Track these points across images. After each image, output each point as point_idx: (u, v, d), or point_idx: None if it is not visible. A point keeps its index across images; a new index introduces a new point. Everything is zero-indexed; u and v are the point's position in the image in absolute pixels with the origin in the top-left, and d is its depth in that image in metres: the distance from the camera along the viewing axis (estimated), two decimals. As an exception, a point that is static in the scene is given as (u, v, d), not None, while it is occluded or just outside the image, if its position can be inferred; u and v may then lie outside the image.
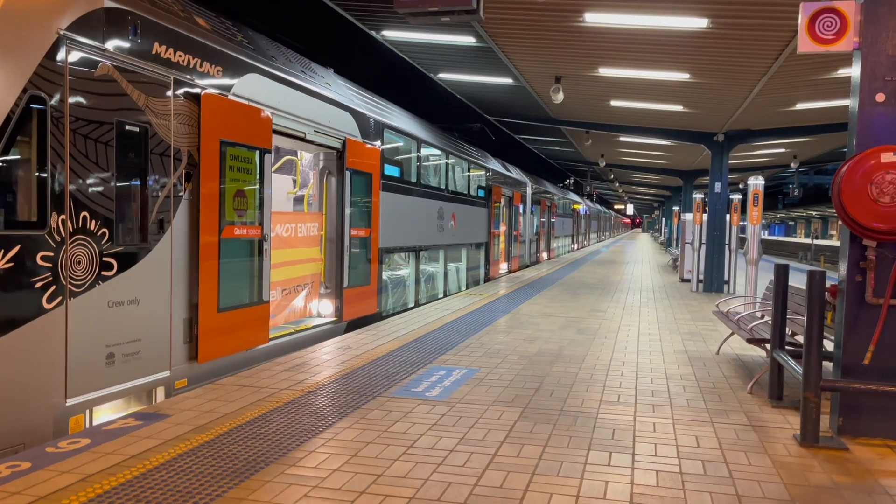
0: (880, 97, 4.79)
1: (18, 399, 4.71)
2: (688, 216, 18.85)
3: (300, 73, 8.81)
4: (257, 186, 7.48)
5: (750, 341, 6.39)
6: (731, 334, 8.17)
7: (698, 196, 16.79)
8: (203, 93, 6.52)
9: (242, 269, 7.25)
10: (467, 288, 17.30)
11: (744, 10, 7.72)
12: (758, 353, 8.10)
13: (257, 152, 7.44)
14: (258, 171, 7.49)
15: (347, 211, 9.86)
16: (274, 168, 10.41)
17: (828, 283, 5.08)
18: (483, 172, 18.77)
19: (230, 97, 7.01)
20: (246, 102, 7.26)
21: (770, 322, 6.64)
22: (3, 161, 4.63)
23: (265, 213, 7.64)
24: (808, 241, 59.58)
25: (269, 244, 7.70)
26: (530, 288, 15.52)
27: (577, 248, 43.01)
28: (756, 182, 11.84)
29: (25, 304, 4.74)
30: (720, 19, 8.08)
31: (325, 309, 9.82)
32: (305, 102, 8.65)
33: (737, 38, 8.77)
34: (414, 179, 13.10)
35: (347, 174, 9.80)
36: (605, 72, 11.17)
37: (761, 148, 20.22)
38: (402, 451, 4.32)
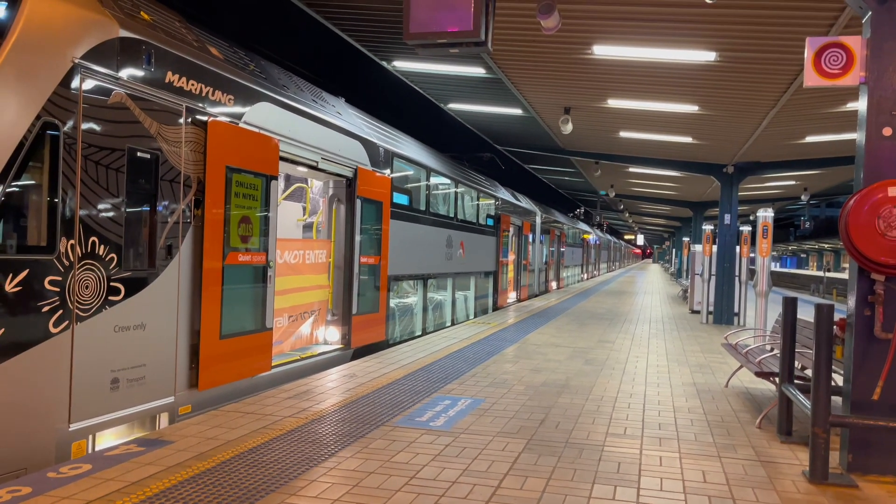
0: (887, 131, 4.79)
1: (22, 423, 4.71)
2: (697, 247, 18.79)
3: (311, 102, 8.92)
4: (263, 213, 7.52)
5: (758, 375, 6.32)
6: (740, 367, 8.09)
7: (708, 227, 16.75)
8: (210, 120, 6.58)
9: (246, 295, 7.25)
10: (475, 317, 17.25)
11: (751, 44, 7.78)
12: (767, 386, 8.00)
13: (263, 179, 7.49)
14: (264, 198, 7.53)
15: (357, 238, 9.91)
16: (284, 195, 10.49)
17: (837, 317, 5.04)
18: (492, 201, 18.83)
19: (241, 125, 7.10)
20: (257, 130, 7.34)
21: (779, 355, 6.57)
22: (15, 186, 4.69)
23: (270, 239, 7.66)
24: (821, 273, 59.13)
25: (273, 271, 7.72)
26: (539, 317, 15.45)
27: (587, 278, 42.87)
28: (766, 214, 11.81)
29: (32, 327, 4.76)
30: (728, 53, 8.13)
31: (331, 336, 9.80)
32: (316, 131, 8.74)
33: (744, 71, 8.82)
34: (423, 208, 13.15)
35: (358, 202, 9.87)
36: (613, 103, 11.24)
37: (771, 180, 20.20)
38: (404, 482, 4.28)
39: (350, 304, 9.83)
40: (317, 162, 8.78)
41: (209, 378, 6.63)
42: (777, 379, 6.21)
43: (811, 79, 5.05)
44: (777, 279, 63.01)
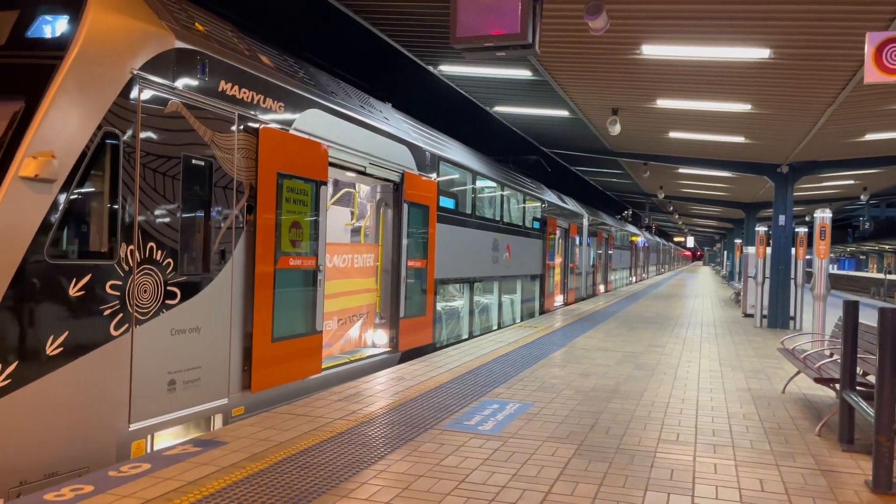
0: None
1: (85, 423, 4.88)
2: (751, 249, 18.32)
3: (359, 108, 9.02)
4: (313, 218, 7.64)
5: (818, 381, 6.13)
6: (798, 373, 7.85)
7: (762, 229, 16.33)
8: (261, 127, 6.72)
9: (296, 299, 7.36)
10: (522, 320, 17.16)
11: (808, 40, 7.56)
12: (826, 393, 7.75)
13: (313, 185, 7.61)
14: (314, 203, 7.65)
15: (404, 242, 9.98)
16: (333, 200, 10.63)
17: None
18: (538, 204, 18.72)
19: (291, 131, 7.22)
20: (306, 137, 7.46)
21: (839, 361, 6.36)
22: (77, 194, 4.86)
23: (320, 244, 7.78)
24: (881, 276, 57.00)
25: (322, 275, 7.82)
26: (586, 321, 15.29)
27: (636, 281, 42.23)
28: (823, 215, 11.45)
29: (94, 330, 4.93)
30: (783, 49, 7.92)
31: (379, 339, 9.88)
32: (364, 136, 8.84)
33: (801, 68, 8.58)
34: (469, 211, 13.16)
35: (405, 206, 9.94)
36: (663, 103, 11.06)
37: (828, 179, 19.58)
38: (453, 486, 4.28)
39: (397, 307, 9.90)
40: (364, 167, 8.87)
41: (261, 380, 6.75)
42: (838, 385, 6.01)
43: (872, 75, 4.89)
44: (835, 282, 61.02)
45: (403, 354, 10.08)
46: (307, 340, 7.51)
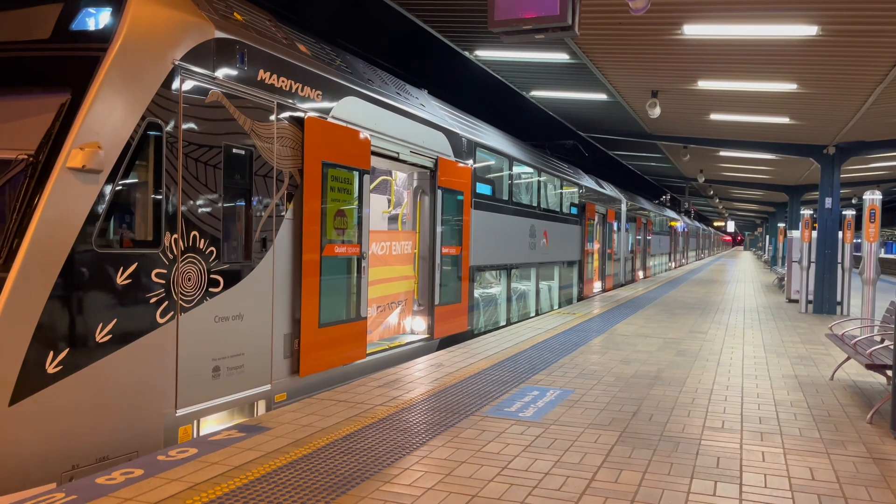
0: None
1: (134, 408, 4.99)
2: (795, 233, 17.88)
3: (395, 95, 9.00)
4: (356, 206, 7.74)
5: (869, 367, 5.95)
6: (847, 359, 7.64)
7: (807, 212, 15.91)
8: (306, 116, 6.80)
9: (342, 285, 7.48)
10: (560, 307, 17.05)
11: (857, 16, 7.29)
12: (877, 379, 7.53)
13: (357, 173, 7.71)
14: (357, 192, 7.75)
15: (439, 229, 9.96)
16: (370, 188, 10.66)
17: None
18: (576, 189, 18.52)
19: (329, 119, 7.25)
20: (343, 124, 7.48)
21: (892, 346, 6.16)
22: (123, 184, 4.95)
23: (364, 231, 7.88)
24: (932, 259, 55.23)
25: (367, 262, 7.93)
26: (626, 307, 15.12)
27: (675, 267, 41.61)
28: (873, 197, 11.09)
29: (141, 318, 5.03)
30: (831, 26, 7.66)
31: (417, 326, 9.90)
32: (400, 123, 8.83)
33: (849, 45, 8.28)
34: (506, 197, 13.07)
35: (439, 193, 9.91)
36: (704, 85, 10.81)
37: (877, 161, 18.96)
38: (496, 472, 4.27)
39: (432, 294, 9.91)
40: (398, 153, 8.87)
41: (309, 365, 6.88)
42: (890, 372, 5.83)
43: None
44: (883, 266, 59.30)
45: (440, 342, 10.10)
46: (352, 326, 7.63)
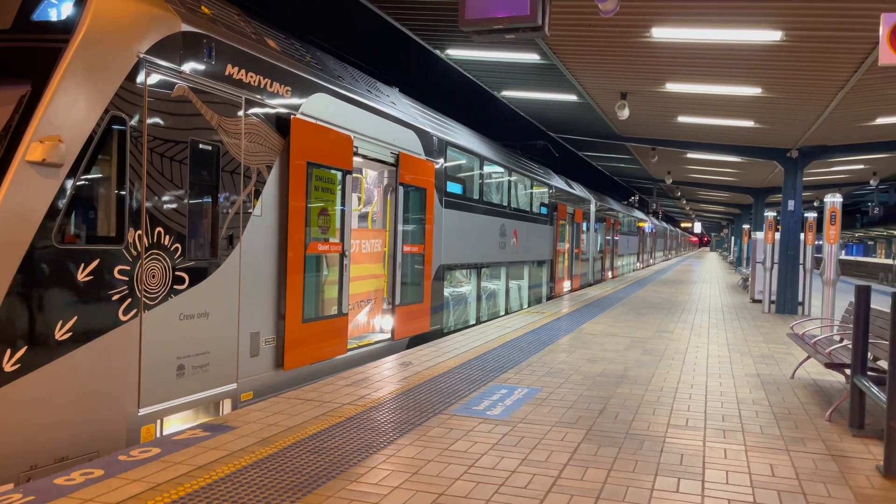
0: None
1: (94, 407, 4.89)
2: (759, 235, 18.22)
3: (366, 93, 8.96)
4: (340, 205, 7.94)
5: (828, 366, 6.09)
6: (807, 358, 7.81)
7: (770, 214, 16.23)
8: (293, 117, 7.03)
9: (326, 282, 7.72)
10: (529, 306, 17.14)
11: (820, 22, 7.45)
12: (836, 378, 7.71)
13: (340, 173, 7.93)
14: (341, 191, 7.96)
15: (399, 227, 9.77)
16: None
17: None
18: (546, 189, 18.64)
19: (298, 116, 7.19)
20: (312, 121, 7.42)
21: (850, 346, 6.32)
22: (85, 179, 4.85)
23: (346, 229, 8.12)
24: (890, 261, 56.70)
25: (349, 259, 8.20)
26: (594, 306, 15.26)
27: (643, 267, 42.12)
28: (834, 199, 11.36)
29: (103, 315, 4.93)
30: (795, 32, 7.81)
31: (387, 325, 9.86)
32: (370, 120, 8.78)
33: (813, 50, 8.47)
34: (476, 196, 13.10)
35: (400, 189, 9.74)
36: (672, 87, 10.96)
37: (838, 164, 19.42)
38: (463, 471, 4.28)
39: (393, 293, 9.74)
40: (357, 147, 8.80)
41: (294, 359, 7.09)
42: (849, 370, 5.98)
43: (887, 56, 4.81)
44: (843, 267, 60.73)
45: (400, 343, 9.92)
46: (334, 322, 7.84)
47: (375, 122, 8.91)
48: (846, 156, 15.78)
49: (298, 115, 7.13)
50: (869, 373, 5.85)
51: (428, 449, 4.70)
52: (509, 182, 15.34)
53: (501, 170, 14.73)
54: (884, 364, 6.64)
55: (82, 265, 4.77)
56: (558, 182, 20.52)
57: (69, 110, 4.69)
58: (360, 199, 10.97)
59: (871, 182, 23.21)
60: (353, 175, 10.79)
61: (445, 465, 4.37)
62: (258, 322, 6.63)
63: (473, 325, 13.07)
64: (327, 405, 5.80)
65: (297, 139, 7.06)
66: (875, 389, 4.87)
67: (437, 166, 10.94)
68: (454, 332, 11.88)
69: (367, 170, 10.68)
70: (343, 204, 8.02)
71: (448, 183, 11.55)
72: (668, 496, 3.93)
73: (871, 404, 6.31)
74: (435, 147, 10.88)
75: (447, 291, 11.70)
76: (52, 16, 4.95)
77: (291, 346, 7.06)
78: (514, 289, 16.06)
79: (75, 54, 4.74)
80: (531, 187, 17.21)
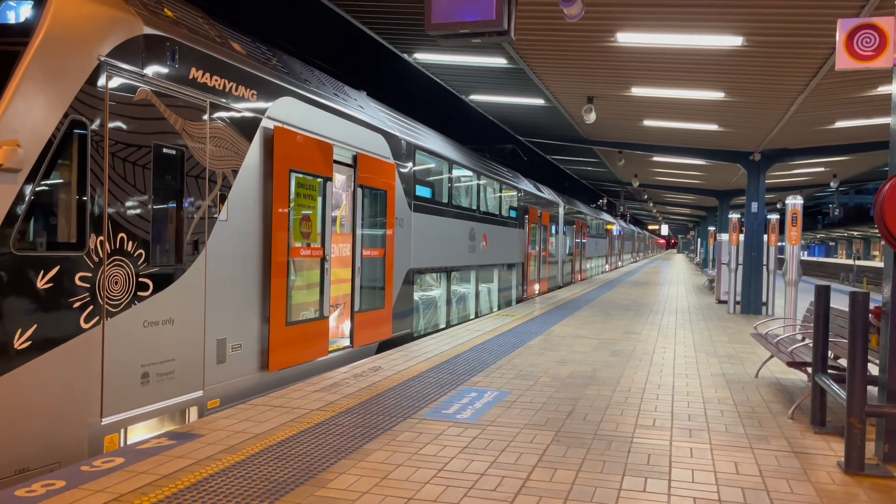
0: (923, 114, 4.66)
1: (55, 417, 4.78)
2: (724, 236, 18.55)
3: (333, 96, 8.91)
4: (320, 211, 8.16)
5: (790, 365, 6.22)
6: (771, 357, 7.96)
7: (735, 216, 16.53)
8: (275, 125, 7.20)
9: (307, 286, 7.94)
10: (499, 309, 17.21)
11: (780, 28, 7.62)
12: (799, 376, 7.87)
13: (320, 180, 8.14)
14: (321, 198, 8.17)
15: (359, 231, 9.41)
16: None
17: (872, 306, 4.93)
18: (515, 193, 18.74)
19: (264, 119, 7.13)
20: (279, 125, 7.36)
21: (811, 345, 6.46)
22: (44, 184, 4.74)
23: (327, 235, 8.30)
24: (850, 262, 58.12)
25: (329, 264, 8.41)
26: (563, 309, 15.37)
27: (611, 269, 42.56)
28: (794, 202, 11.61)
29: (63, 323, 4.83)
30: (755, 37, 7.98)
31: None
32: (338, 124, 8.74)
33: (773, 56, 8.65)
34: (446, 200, 13.11)
35: (359, 191, 9.39)
36: (637, 91, 11.10)
37: (799, 167, 19.86)
38: (432, 474, 4.27)
39: (352, 299, 9.33)
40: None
41: (278, 360, 7.32)
42: (810, 369, 6.10)
43: (843, 61, 4.93)
44: (805, 268, 62.05)
45: (364, 350, 9.62)
46: (316, 325, 8.02)
47: (342, 126, 8.87)
48: (807, 158, 16.15)
49: (278, 123, 7.34)
50: (829, 371, 5.99)
51: (397, 453, 4.68)
52: (479, 186, 15.39)
53: (471, 173, 14.77)
54: (844, 362, 6.80)
55: (42, 272, 4.67)
56: (527, 186, 20.64)
57: (27, 114, 4.59)
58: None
59: (832, 184, 23.77)
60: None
61: (415, 470, 4.36)
62: (225, 328, 6.55)
63: (443, 329, 13.07)
64: (295, 411, 5.74)
65: (280, 148, 7.26)
66: (835, 387, 4.99)
67: (404, 170, 10.91)
68: (424, 335, 11.86)
69: (336, 173, 10.62)
70: (324, 210, 8.24)
71: (417, 187, 11.54)
72: (636, 496, 3.97)
73: (832, 402, 6.46)
74: (403, 151, 10.87)
75: (416, 296, 11.68)
76: (11, 18, 4.84)
77: (276, 349, 7.26)
78: (483, 292, 16.10)
79: (34, 57, 4.64)
80: (500, 191, 17.29)
